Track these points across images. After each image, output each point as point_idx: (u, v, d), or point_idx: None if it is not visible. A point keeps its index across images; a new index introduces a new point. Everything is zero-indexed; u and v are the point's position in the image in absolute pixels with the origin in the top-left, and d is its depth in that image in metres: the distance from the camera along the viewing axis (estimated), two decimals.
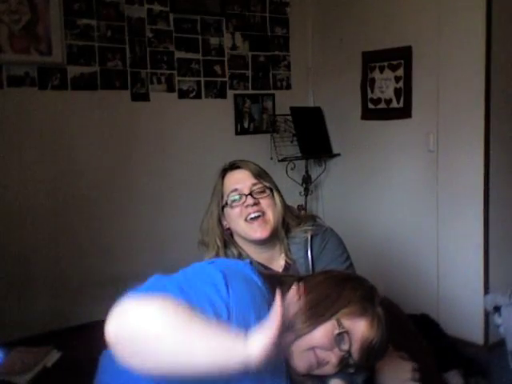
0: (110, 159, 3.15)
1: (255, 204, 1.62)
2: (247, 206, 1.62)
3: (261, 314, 0.99)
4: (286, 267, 1.68)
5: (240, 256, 1.68)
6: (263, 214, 1.63)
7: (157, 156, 3.30)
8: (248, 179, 1.65)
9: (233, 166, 1.69)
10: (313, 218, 1.76)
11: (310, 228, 1.69)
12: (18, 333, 2.66)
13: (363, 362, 1.14)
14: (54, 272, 2.98)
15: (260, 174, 1.67)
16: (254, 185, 1.64)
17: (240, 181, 1.65)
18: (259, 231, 1.63)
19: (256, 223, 1.63)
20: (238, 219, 1.64)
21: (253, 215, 1.62)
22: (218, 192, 1.68)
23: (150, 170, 3.28)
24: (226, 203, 1.65)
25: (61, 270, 3.00)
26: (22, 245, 2.89)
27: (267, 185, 1.66)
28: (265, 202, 1.64)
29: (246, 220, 1.63)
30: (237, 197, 1.64)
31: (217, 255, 1.68)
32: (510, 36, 3.04)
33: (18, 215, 2.88)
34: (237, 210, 1.63)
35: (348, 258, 1.73)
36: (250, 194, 1.63)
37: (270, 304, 0.98)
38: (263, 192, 1.65)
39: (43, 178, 2.95)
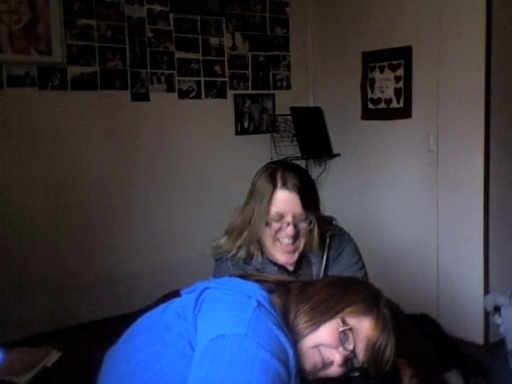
0: (110, 159, 3.15)
1: (293, 235, 1.58)
2: (284, 231, 1.58)
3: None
4: (298, 266, 1.68)
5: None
6: (296, 239, 1.60)
7: (157, 156, 3.30)
8: (296, 207, 1.58)
9: (286, 185, 1.59)
10: (330, 219, 1.76)
11: (328, 228, 1.69)
12: (18, 333, 2.67)
13: (368, 365, 1.13)
14: (54, 272, 2.98)
15: (309, 205, 1.60)
16: (300, 214, 1.58)
17: (287, 207, 1.58)
18: (286, 258, 1.61)
19: (286, 248, 1.60)
20: (269, 236, 1.61)
21: (286, 241, 1.59)
22: (263, 202, 1.60)
23: (150, 169, 3.28)
24: (267, 222, 1.59)
25: (61, 269, 3.00)
26: (22, 245, 2.89)
27: (312, 219, 1.60)
28: (303, 232, 1.60)
29: (276, 239, 1.60)
30: (278, 219, 1.58)
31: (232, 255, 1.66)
32: (510, 36, 3.04)
33: (18, 215, 2.88)
34: (273, 230, 1.59)
35: (363, 266, 1.72)
36: (293, 223, 1.58)
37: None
38: (304, 222, 1.59)
39: (43, 178, 2.94)
